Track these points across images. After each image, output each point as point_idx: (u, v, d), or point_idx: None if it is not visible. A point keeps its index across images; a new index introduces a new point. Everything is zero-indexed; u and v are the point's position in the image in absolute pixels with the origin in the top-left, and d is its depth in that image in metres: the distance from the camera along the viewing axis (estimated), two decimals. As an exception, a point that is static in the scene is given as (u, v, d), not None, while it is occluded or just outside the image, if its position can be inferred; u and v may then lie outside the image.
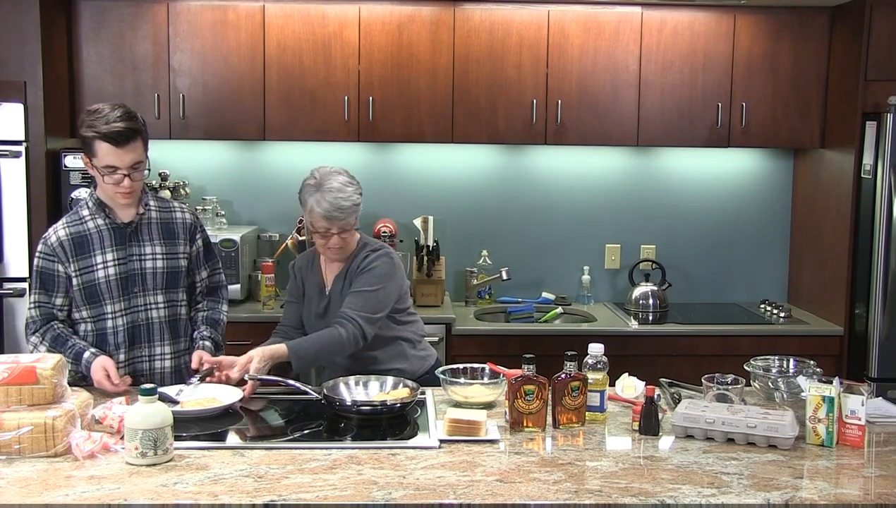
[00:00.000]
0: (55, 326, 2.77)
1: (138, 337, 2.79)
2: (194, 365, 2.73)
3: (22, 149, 3.81)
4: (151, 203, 2.83)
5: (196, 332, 2.90)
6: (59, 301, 2.76)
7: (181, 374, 2.82)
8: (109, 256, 2.74)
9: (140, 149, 2.68)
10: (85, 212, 2.77)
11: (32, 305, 2.77)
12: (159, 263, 2.80)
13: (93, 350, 2.73)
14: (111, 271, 2.74)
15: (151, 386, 2.15)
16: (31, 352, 2.74)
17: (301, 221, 4.25)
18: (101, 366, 2.66)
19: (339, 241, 2.86)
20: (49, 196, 3.87)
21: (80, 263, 2.73)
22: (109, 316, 2.76)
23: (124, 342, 2.77)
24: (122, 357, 2.77)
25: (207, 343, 2.87)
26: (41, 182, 3.84)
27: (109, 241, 2.75)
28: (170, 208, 2.88)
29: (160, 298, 2.81)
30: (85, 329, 2.78)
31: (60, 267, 2.73)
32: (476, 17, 4.12)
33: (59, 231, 2.75)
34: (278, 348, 2.72)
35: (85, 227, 2.75)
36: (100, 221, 2.76)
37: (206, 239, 2.97)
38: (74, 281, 2.73)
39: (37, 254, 2.76)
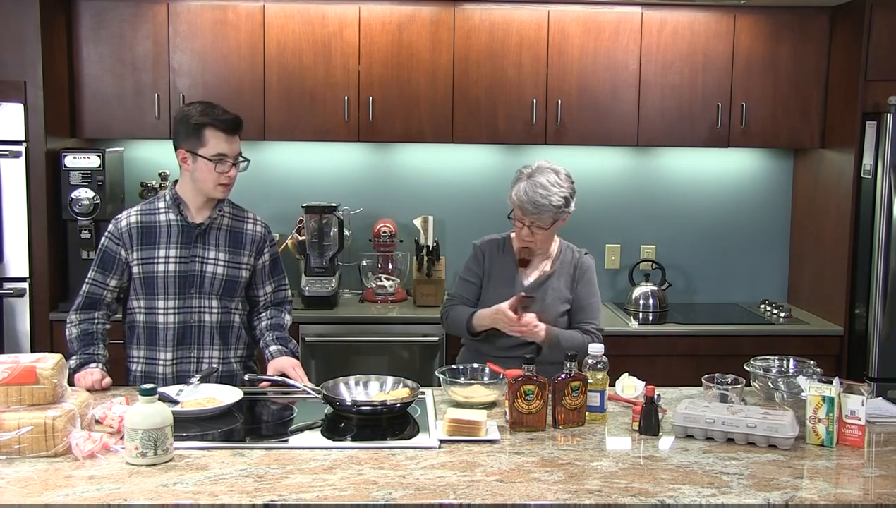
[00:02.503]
0: (97, 320, 2.83)
1: (188, 338, 2.81)
2: (271, 371, 2.80)
3: (22, 149, 3.81)
4: (226, 209, 2.88)
5: (262, 341, 2.91)
6: (112, 283, 2.82)
7: (227, 380, 2.81)
8: (173, 252, 2.78)
9: (239, 141, 2.78)
10: (161, 205, 2.83)
11: (87, 281, 2.84)
12: (220, 269, 2.82)
13: (103, 367, 2.75)
14: (171, 267, 2.78)
15: (151, 386, 2.15)
16: (67, 327, 2.84)
17: (301, 221, 4.25)
18: (90, 372, 2.70)
19: (527, 234, 2.93)
20: (49, 196, 3.87)
21: (143, 252, 2.78)
22: (161, 311, 2.79)
23: (173, 340, 2.80)
24: (169, 355, 2.80)
25: (272, 347, 2.86)
26: (41, 182, 3.84)
27: (176, 238, 2.79)
28: (243, 218, 2.92)
29: (214, 303, 2.83)
30: (137, 320, 2.82)
31: (123, 252, 2.79)
32: (476, 17, 4.12)
33: (130, 216, 2.82)
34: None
35: (156, 219, 2.81)
36: (172, 216, 2.81)
37: (275, 254, 2.98)
38: (135, 270, 2.78)
39: (105, 234, 2.83)
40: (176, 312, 2.79)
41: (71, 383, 2.47)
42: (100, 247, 2.83)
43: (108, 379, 2.72)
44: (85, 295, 2.83)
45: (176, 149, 2.79)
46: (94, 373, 2.70)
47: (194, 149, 2.73)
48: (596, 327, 3.01)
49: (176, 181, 2.86)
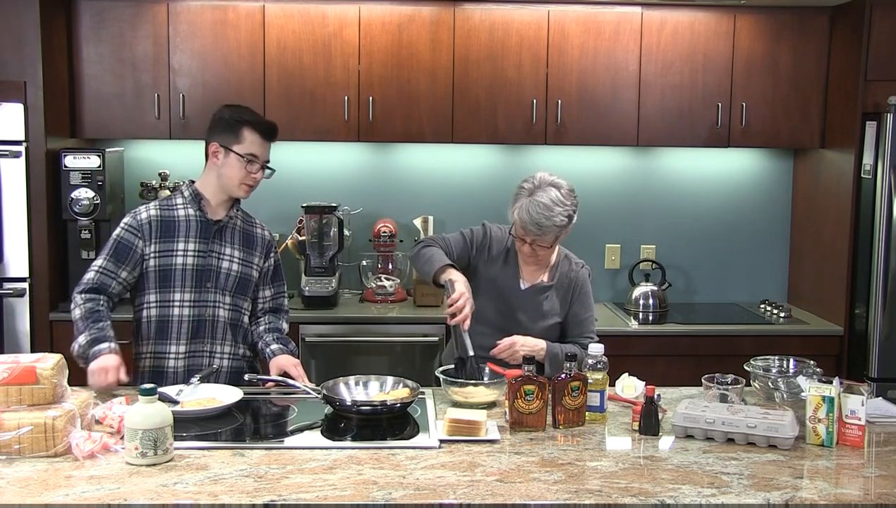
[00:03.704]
0: (100, 301, 2.78)
1: (201, 332, 2.82)
2: (274, 371, 2.81)
3: (22, 149, 3.80)
4: (239, 213, 2.94)
5: (261, 342, 2.93)
6: (123, 274, 2.80)
7: (236, 377, 2.83)
8: (191, 246, 2.81)
9: (270, 150, 2.88)
10: (179, 201, 2.87)
11: (96, 269, 2.79)
12: (235, 266, 2.87)
13: (114, 345, 2.70)
14: (189, 260, 2.80)
15: (151, 386, 2.15)
16: (72, 308, 2.77)
17: (301, 221, 4.25)
18: (104, 366, 2.63)
19: (529, 250, 2.90)
20: (49, 196, 3.87)
21: (161, 245, 2.80)
22: (177, 304, 2.80)
23: (187, 333, 2.81)
24: (182, 348, 2.81)
25: (273, 345, 2.88)
26: (41, 182, 3.84)
27: (195, 232, 2.83)
28: (252, 222, 2.99)
29: (227, 299, 2.86)
30: (148, 315, 2.81)
31: (140, 244, 2.80)
32: (476, 17, 4.12)
33: (150, 210, 2.84)
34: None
35: (175, 214, 2.84)
36: (191, 211, 2.84)
37: (278, 260, 3.03)
38: (151, 263, 2.79)
39: (121, 225, 2.83)
40: (191, 305, 2.80)
41: (84, 367, 2.54)
42: (114, 237, 2.82)
43: (123, 370, 2.65)
44: (91, 282, 2.78)
45: (208, 144, 2.83)
46: (110, 363, 2.61)
47: (229, 144, 2.79)
48: (593, 341, 2.94)
49: (192, 181, 2.90)
